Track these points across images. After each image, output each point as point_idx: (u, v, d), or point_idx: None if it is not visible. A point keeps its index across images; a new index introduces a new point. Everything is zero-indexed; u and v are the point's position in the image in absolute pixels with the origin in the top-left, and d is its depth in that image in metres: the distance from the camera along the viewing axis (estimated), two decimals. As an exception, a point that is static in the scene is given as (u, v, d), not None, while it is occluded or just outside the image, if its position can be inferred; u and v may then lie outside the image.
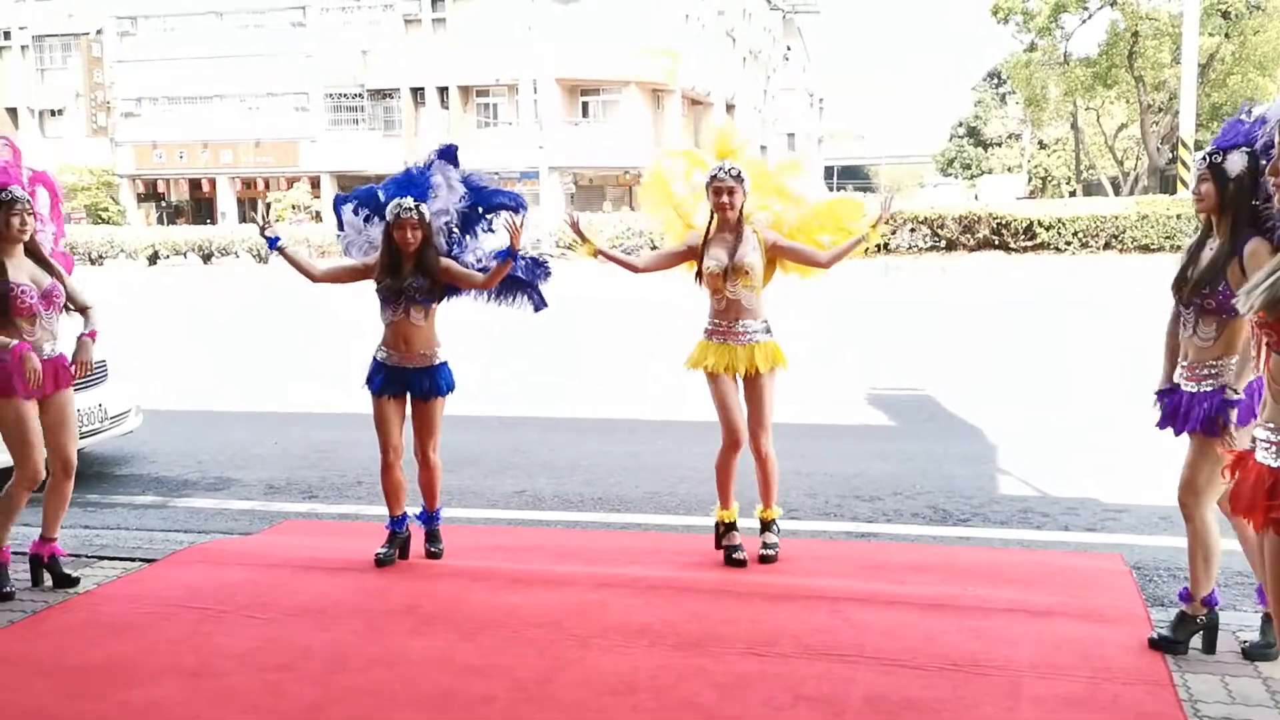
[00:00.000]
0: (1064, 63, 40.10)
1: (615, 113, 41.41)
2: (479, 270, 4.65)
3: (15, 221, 4.14)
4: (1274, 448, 2.36)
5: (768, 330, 4.64)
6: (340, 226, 4.82)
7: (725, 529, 4.73)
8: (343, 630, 4.02)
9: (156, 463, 7.29)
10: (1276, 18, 35.15)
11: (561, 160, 38.95)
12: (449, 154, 4.69)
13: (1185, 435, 3.59)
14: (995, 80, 63.59)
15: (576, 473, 6.74)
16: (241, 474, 6.94)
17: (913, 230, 23.94)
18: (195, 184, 47.59)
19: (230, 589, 4.47)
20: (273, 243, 4.55)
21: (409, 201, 4.46)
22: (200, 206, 47.87)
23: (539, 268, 4.78)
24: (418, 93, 42.84)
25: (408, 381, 4.66)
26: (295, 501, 6.28)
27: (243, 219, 44.96)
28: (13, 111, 47.23)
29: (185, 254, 31.01)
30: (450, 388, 4.71)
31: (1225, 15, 35.52)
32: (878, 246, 4.71)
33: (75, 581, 4.51)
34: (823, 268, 4.66)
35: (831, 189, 41.92)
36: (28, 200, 4.19)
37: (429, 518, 4.88)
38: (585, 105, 42.14)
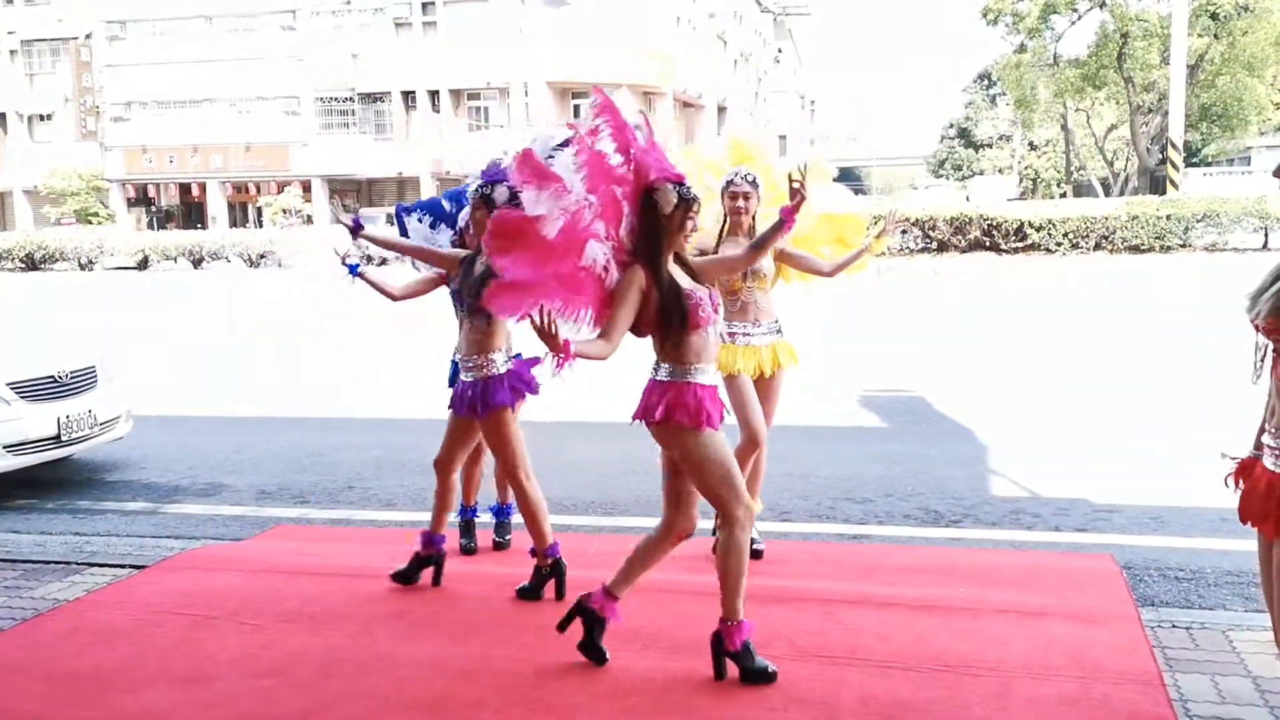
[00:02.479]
0: (1054, 64, 40.25)
1: (607, 116, 41.37)
2: None
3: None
4: None
5: (779, 329, 4.72)
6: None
7: None
8: (334, 635, 4.01)
9: (147, 469, 7.27)
10: (1265, 19, 35.31)
11: (553, 163, 38.89)
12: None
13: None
14: (986, 82, 63.86)
15: (569, 476, 6.74)
16: (232, 479, 6.92)
17: (904, 232, 23.98)
18: (185, 188, 47.54)
19: (221, 595, 4.46)
20: (354, 269, 4.54)
21: None
22: (191, 211, 47.78)
23: None
24: (409, 96, 42.84)
25: None
26: (287, 507, 6.26)
27: (233, 223, 44.95)
28: (1, 116, 47.09)
29: (175, 259, 30.95)
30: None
31: (1214, 17, 35.69)
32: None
33: None
34: (826, 276, 4.74)
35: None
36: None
37: (500, 510, 5.11)
38: (577, 108, 42.12)
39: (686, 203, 3.40)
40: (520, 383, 4.33)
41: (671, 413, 3.40)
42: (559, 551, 4.38)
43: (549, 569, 4.36)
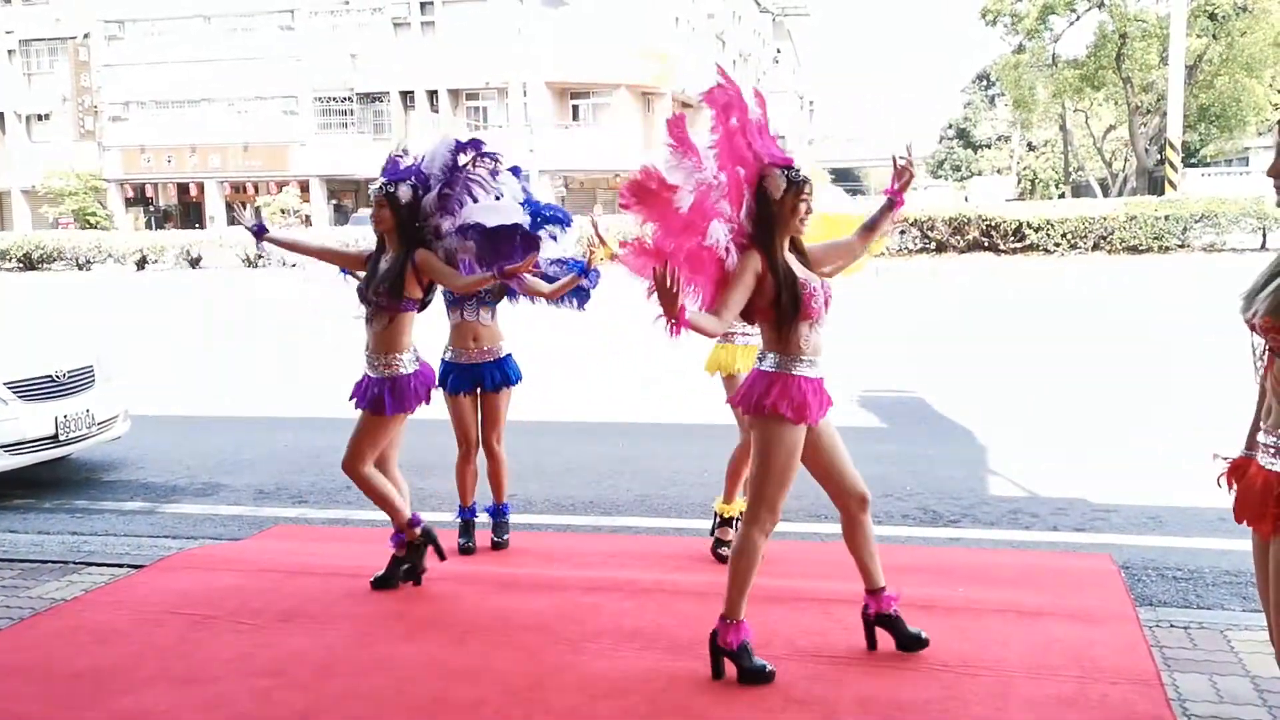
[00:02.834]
0: (1052, 64, 40.27)
1: (606, 116, 41.40)
2: (539, 275, 4.83)
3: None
4: None
5: None
6: None
7: (723, 522, 4.82)
8: (333, 635, 4.01)
9: (145, 468, 7.27)
10: (1263, 19, 35.34)
11: (552, 163, 38.92)
12: (515, 170, 4.89)
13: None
14: (984, 82, 63.87)
15: (568, 476, 6.74)
16: (230, 479, 6.92)
17: (902, 232, 23.98)
18: (183, 188, 47.48)
19: (219, 595, 4.46)
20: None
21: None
22: (189, 211, 47.72)
23: (596, 275, 4.91)
24: (407, 96, 42.79)
25: (479, 376, 4.88)
26: (285, 506, 6.26)
27: (231, 223, 44.86)
28: None
29: (174, 258, 30.91)
30: (519, 377, 4.96)
31: (1212, 17, 35.71)
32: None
33: None
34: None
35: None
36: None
37: (497, 510, 5.10)
38: (575, 108, 42.14)
39: (795, 186, 3.37)
40: (425, 388, 4.36)
41: (776, 404, 3.40)
42: (420, 520, 4.48)
43: (421, 539, 4.46)
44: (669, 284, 2.99)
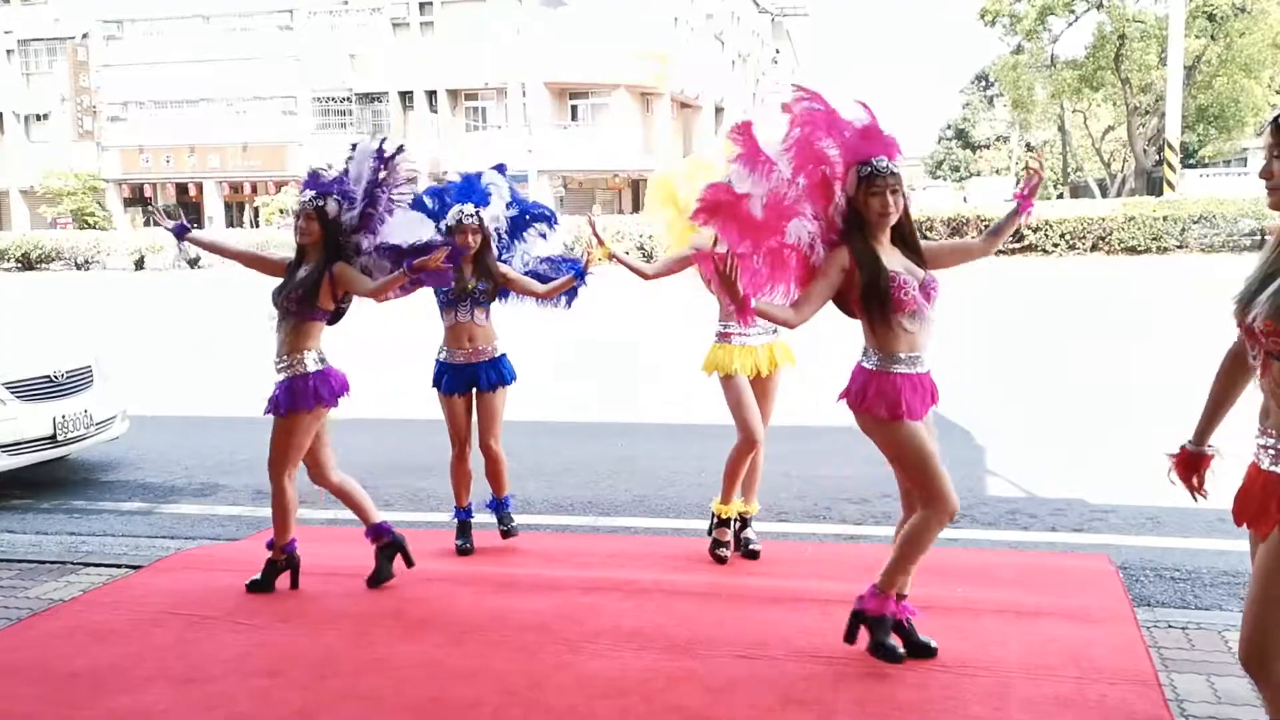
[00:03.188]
0: (1051, 65, 40.32)
1: (604, 116, 41.41)
2: (528, 274, 4.92)
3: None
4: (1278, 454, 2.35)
5: (775, 330, 4.71)
6: None
7: (720, 523, 4.80)
8: (330, 635, 4.01)
9: (143, 469, 7.26)
10: (1262, 20, 35.38)
11: (551, 164, 38.93)
12: (500, 168, 5.00)
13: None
14: (983, 83, 63.88)
15: (566, 476, 6.74)
16: (228, 479, 6.91)
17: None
18: (182, 188, 47.41)
19: (217, 595, 4.45)
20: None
21: (470, 207, 4.72)
22: (187, 211, 47.71)
23: (586, 274, 4.91)
24: (406, 96, 42.79)
25: (474, 376, 4.88)
26: (283, 506, 6.24)
27: (230, 223, 44.87)
28: (-2, 116, 47.02)
29: (173, 259, 30.91)
30: (513, 377, 4.96)
31: (1211, 18, 35.76)
32: None
33: None
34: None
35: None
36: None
37: (499, 504, 5.08)
38: (574, 108, 42.13)
39: (865, 181, 3.39)
40: (326, 388, 4.35)
41: (871, 404, 3.43)
42: (295, 548, 4.54)
43: (284, 563, 4.51)
44: (728, 273, 3.15)
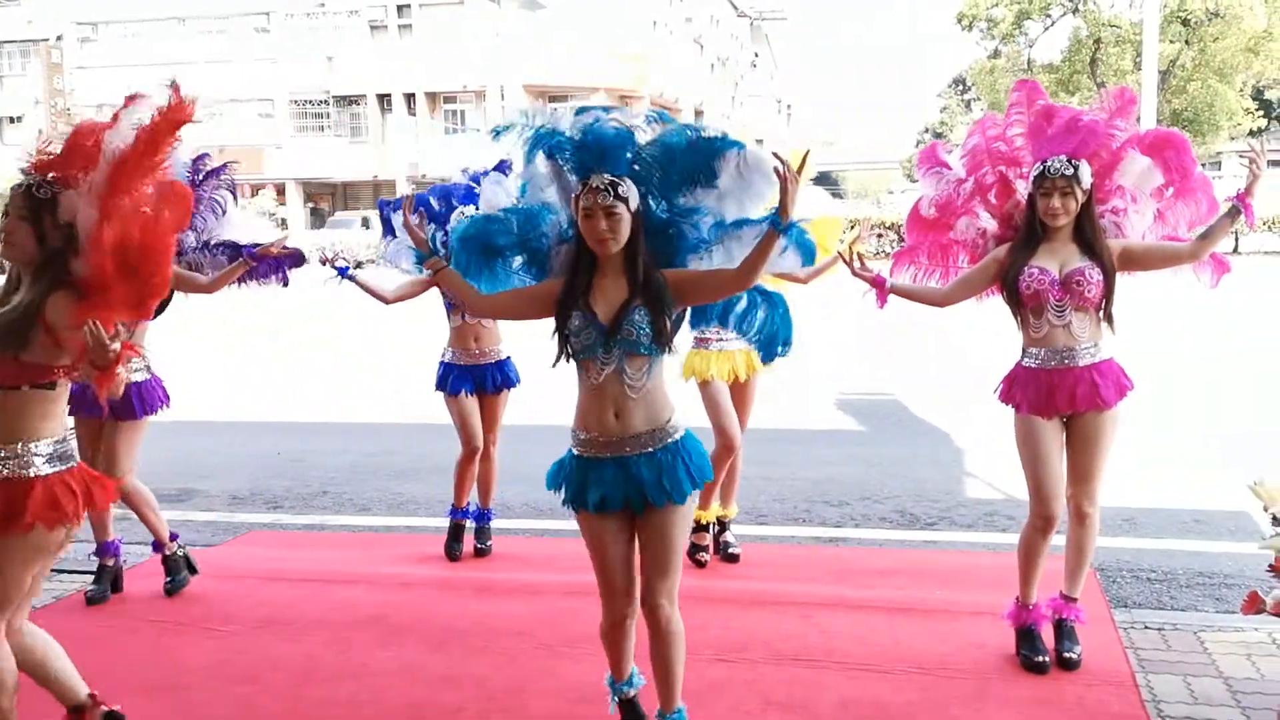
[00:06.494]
0: (1028, 69, 40.54)
1: (584, 119, 41.32)
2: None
3: None
4: None
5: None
6: (389, 233, 4.84)
7: (697, 528, 4.77)
8: (309, 642, 3.98)
9: (119, 474, 7.18)
10: (1235, 25, 35.74)
11: (530, 167, 38.82)
12: (502, 167, 4.88)
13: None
14: (960, 87, 64.28)
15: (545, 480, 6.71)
16: (205, 485, 6.86)
17: (880, 236, 24.13)
18: (158, 191, 47.04)
19: (193, 601, 4.42)
20: (343, 271, 4.48)
21: (473, 209, 4.57)
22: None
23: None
24: (384, 99, 42.61)
25: (480, 377, 4.87)
26: (259, 512, 6.21)
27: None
28: (-29, 118, 46.55)
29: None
30: (518, 380, 4.96)
31: (1185, 23, 36.10)
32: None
33: None
34: (801, 283, 4.70)
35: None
36: None
37: (481, 515, 5.06)
38: (553, 112, 42.02)
39: (1037, 180, 3.45)
40: (153, 394, 4.41)
41: (1007, 395, 3.60)
42: (177, 537, 4.62)
43: (181, 553, 4.58)
44: (849, 259, 3.58)
